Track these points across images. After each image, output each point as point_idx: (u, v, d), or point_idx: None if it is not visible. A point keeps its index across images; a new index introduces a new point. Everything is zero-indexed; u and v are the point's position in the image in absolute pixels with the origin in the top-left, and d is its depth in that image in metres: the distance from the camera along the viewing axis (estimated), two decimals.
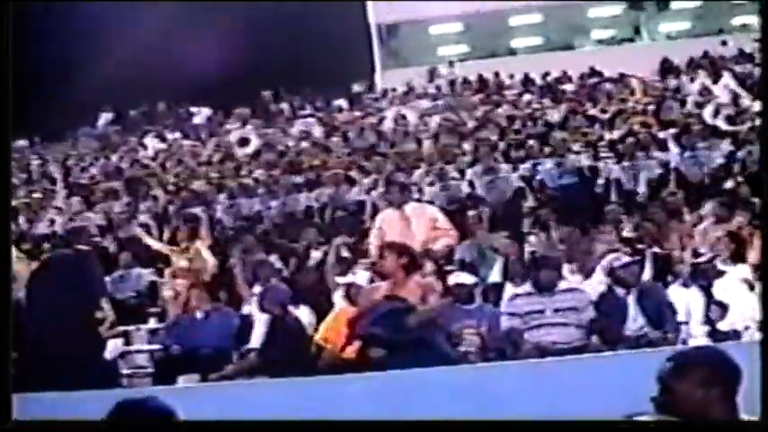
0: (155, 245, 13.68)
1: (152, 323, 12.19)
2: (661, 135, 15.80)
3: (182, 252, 12.91)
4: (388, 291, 7.93)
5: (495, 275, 11.18)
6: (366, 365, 7.62)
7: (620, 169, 14.29)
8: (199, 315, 10.71)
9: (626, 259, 9.53)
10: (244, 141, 21.31)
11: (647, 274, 9.97)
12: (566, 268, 10.46)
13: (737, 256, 10.16)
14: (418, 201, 12.51)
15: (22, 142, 27.43)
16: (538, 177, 14.35)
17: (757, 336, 8.60)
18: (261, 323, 10.16)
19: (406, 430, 7.55)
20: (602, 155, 15.34)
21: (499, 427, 7.15)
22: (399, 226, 10.12)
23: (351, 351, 8.10)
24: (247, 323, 10.51)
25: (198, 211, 14.93)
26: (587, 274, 10.43)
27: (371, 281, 9.54)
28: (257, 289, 11.18)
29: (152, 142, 23.35)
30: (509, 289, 10.37)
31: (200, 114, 27.43)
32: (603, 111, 18.87)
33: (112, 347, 8.06)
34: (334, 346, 8.90)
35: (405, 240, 9.03)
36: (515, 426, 7.18)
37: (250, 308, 10.97)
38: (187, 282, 11.90)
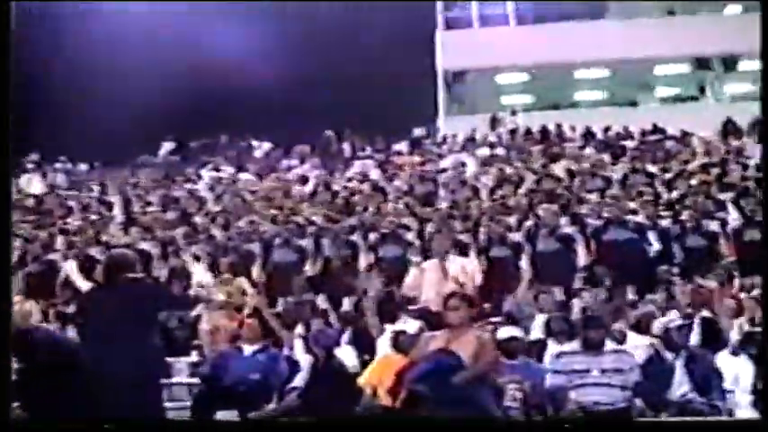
0: (198, 275, 13.72)
1: (194, 356, 12.20)
2: (720, 197, 15.65)
3: (224, 285, 12.97)
4: (444, 342, 7.82)
5: (537, 331, 11.10)
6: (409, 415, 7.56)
7: (676, 229, 14.14)
8: (245, 351, 10.69)
9: (681, 323, 9.46)
10: (302, 179, 21.42)
11: (695, 339, 9.86)
12: (614, 327, 10.39)
13: None
14: (478, 251, 12.53)
15: (82, 166, 27.83)
16: (593, 233, 14.22)
17: None
18: (304, 364, 10.19)
19: (406, 430, 7.54)
20: (660, 214, 15.15)
21: (499, 427, 7.15)
22: (455, 277, 10.15)
23: (395, 400, 8.01)
24: (291, 363, 10.50)
25: (252, 246, 15.02)
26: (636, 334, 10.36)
27: (421, 329, 9.50)
28: (300, 329, 11.23)
29: (208, 174, 23.53)
30: (551, 346, 10.31)
31: (261, 148, 27.61)
32: (664, 169, 18.72)
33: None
34: (377, 392, 8.89)
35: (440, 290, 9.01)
36: (515, 426, 7.16)
37: (293, 348, 11.00)
38: (225, 316, 11.94)
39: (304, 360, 10.35)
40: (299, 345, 10.95)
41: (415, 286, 10.27)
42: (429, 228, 14.76)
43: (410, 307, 11.11)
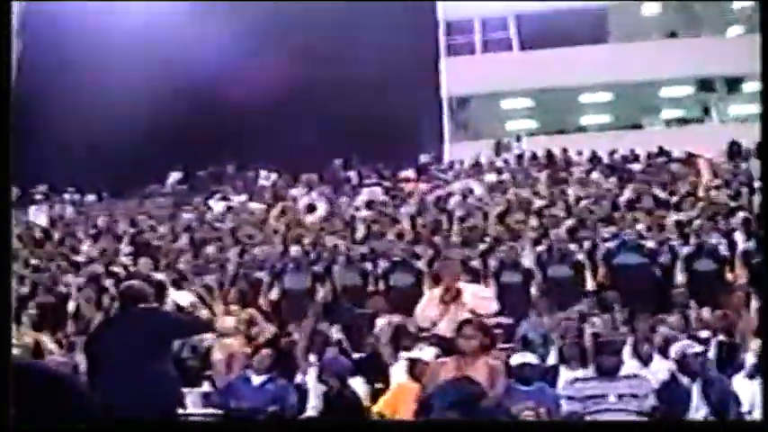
0: (213, 304, 13.76)
1: (206, 387, 12.18)
2: (729, 219, 15.66)
3: (232, 314, 12.99)
4: (455, 369, 7.81)
5: (551, 357, 11.09)
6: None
7: (687, 252, 14.13)
8: (254, 381, 10.67)
9: (698, 348, 9.45)
10: (310, 207, 21.46)
11: (711, 363, 9.84)
12: (627, 352, 10.40)
13: None
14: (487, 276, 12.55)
15: (90, 197, 27.90)
16: (603, 257, 14.22)
17: None
18: (316, 393, 10.20)
19: (407, 430, 7.53)
20: (669, 236, 15.13)
21: (500, 427, 7.15)
22: (439, 306, 10.17)
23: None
24: (302, 392, 10.50)
25: (261, 275, 15.05)
26: (649, 359, 10.35)
27: (437, 357, 9.50)
28: (312, 358, 11.24)
29: (217, 204, 23.60)
30: (564, 372, 10.30)
31: (268, 177, 27.68)
32: (671, 192, 18.75)
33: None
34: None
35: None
36: (516, 426, 7.16)
37: (304, 377, 11.00)
38: (236, 344, 11.95)
39: (315, 389, 10.36)
40: (312, 373, 10.95)
41: (427, 314, 10.26)
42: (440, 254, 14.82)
43: (424, 334, 11.12)
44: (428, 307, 10.45)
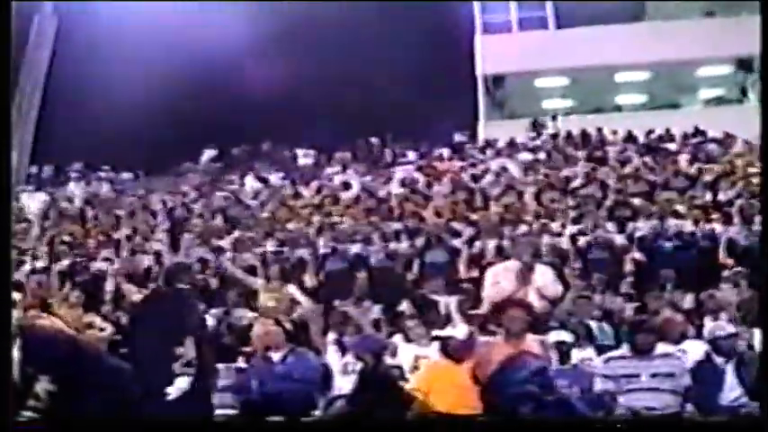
0: (248, 280, 13.84)
1: (240, 362, 12.22)
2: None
3: (272, 291, 13.06)
4: (510, 348, 7.82)
5: (586, 337, 11.08)
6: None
7: (724, 232, 14.05)
8: (275, 357, 10.62)
9: (729, 329, 9.44)
10: (345, 186, 21.49)
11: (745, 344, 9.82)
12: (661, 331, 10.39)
13: None
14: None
15: (126, 175, 28.07)
16: (641, 237, 14.18)
17: None
18: (343, 370, 10.29)
19: (411, 430, 7.57)
20: (710, 217, 15.03)
21: (500, 426, 7.17)
22: (514, 282, 10.21)
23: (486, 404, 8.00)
24: (325, 367, 10.52)
25: (303, 253, 15.12)
26: (683, 339, 10.35)
27: (470, 334, 9.52)
28: (332, 336, 11.33)
29: (251, 182, 23.65)
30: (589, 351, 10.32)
31: (304, 156, 27.70)
32: (707, 171, 18.63)
33: (179, 385, 7.95)
34: (429, 398, 8.93)
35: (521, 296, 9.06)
36: (516, 426, 7.18)
37: (332, 353, 11.08)
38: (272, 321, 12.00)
39: (337, 364, 10.47)
40: (332, 350, 11.03)
41: (503, 286, 10.34)
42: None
43: (469, 312, 11.19)
44: (505, 279, 10.53)
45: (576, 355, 10.15)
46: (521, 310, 8.05)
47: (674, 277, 12.71)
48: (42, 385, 6.50)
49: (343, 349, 11.07)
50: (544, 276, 10.69)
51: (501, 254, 13.52)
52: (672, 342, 9.92)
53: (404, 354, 10.76)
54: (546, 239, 14.21)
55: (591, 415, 8.24)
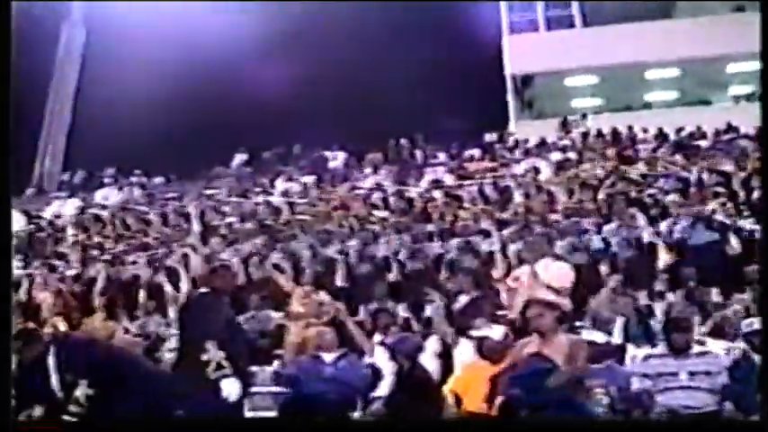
0: (286, 285, 13.87)
1: (276, 365, 12.23)
2: None
3: (304, 296, 13.07)
4: (536, 347, 7.78)
5: (615, 336, 11.03)
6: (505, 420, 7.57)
7: (756, 230, 13.94)
8: (326, 359, 10.65)
9: (757, 326, 9.38)
10: (376, 188, 21.47)
11: None
12: (699, 330, 10.34)
13: None
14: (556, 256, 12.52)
15: (158, 179, 28.16)
16: (673, 234, 14.09)
17: None
18: (388, 372, 10.23)
19: (409, 430, 7.55)
20: (742, 213, 14.93)
21: (500, 426, 7.14)
22: (530, 282, 10.17)
23: (491, 407, 7.98)
24: (374, 370, 10.50)
25: (333, 253, 15.12)
26: (722, 336, 10.29)
27: (506, 335, 9.50)
28: (378, 337, 11.27)
29: (283, 185, 23.66)
30: (630, 350, 10.25)
31: (336, 158, 27.66)
32: (740, 168, 18.46)
33: (229, 388, 7.99)
34: (465, 399, 8.93)
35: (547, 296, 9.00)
36: (516, 425, 7.15)
37: (373, 355, 11.04)
38: (304, 325, 12.00)
39: (387, 368, 10.38)
40: (379, 352, 10.97)
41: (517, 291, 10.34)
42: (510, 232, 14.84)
43: (499, 312, 11.15)
44: (523, 280, 10.55)
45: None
46: (541, 308, 7.96)
47: (696, 275, 12.60)
48: (82, 390, 6.56)
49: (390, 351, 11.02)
50: (548, 270, 10.64)
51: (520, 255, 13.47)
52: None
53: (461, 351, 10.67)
54: (576, 238, 14.14)
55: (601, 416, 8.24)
